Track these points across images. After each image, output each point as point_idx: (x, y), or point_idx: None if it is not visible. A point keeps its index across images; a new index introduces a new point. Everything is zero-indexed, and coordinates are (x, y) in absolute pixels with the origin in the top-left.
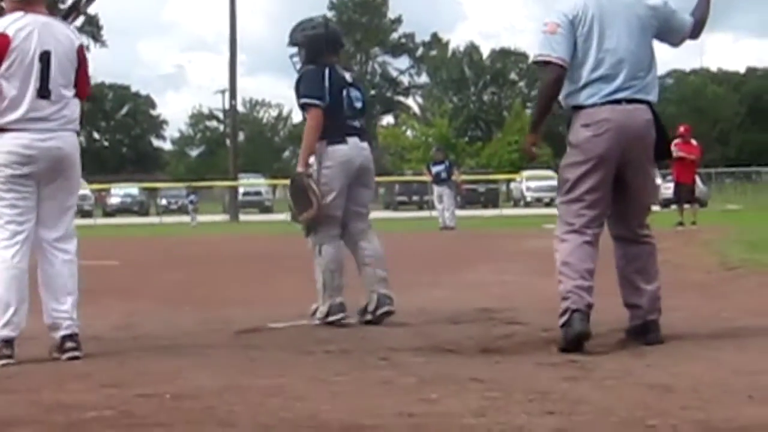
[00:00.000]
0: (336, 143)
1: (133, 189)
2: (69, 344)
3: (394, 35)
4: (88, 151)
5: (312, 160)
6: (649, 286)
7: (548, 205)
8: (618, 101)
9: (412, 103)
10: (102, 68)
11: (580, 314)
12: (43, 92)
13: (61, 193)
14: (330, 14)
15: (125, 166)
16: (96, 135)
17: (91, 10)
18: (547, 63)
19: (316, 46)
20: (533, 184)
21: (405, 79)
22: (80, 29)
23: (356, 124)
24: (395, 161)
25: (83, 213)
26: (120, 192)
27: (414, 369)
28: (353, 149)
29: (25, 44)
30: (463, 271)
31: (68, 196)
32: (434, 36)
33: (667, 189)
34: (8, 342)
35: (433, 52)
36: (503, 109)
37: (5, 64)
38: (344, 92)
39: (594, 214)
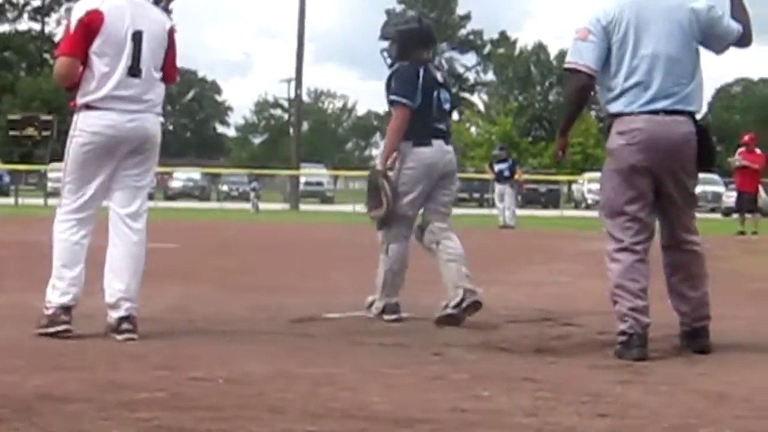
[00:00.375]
0: (421, 145)
1: (195, 174)
2: (125, 326)
3: (462, 31)
4: None
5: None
6: (695, 293)
7: None
8: (656, 111)
9: (477, 100)
10: None
11: (638, 338)
12: (134, 71)
13: (138, 172)
14: (399, 8)
15: (188, 150)
16: (160, 118)
17: None
18: (575, 71)
19: (408, 41)
20: (594, 186)
21: (471, 76)
22: None
23: (442, 126)
24: (457, 158)
25: None
26: (182, 176)
27: (467, 365)
28: (437, 152)
29: (118, 22)
30: (521, 270)
31: (144, 176)
32: (502, 34)
33: (729, 197)
34: (66, 309)
35: (501, 50)
36: None
37: (98, 41)
38: (435, 93)
39: (639, 226)
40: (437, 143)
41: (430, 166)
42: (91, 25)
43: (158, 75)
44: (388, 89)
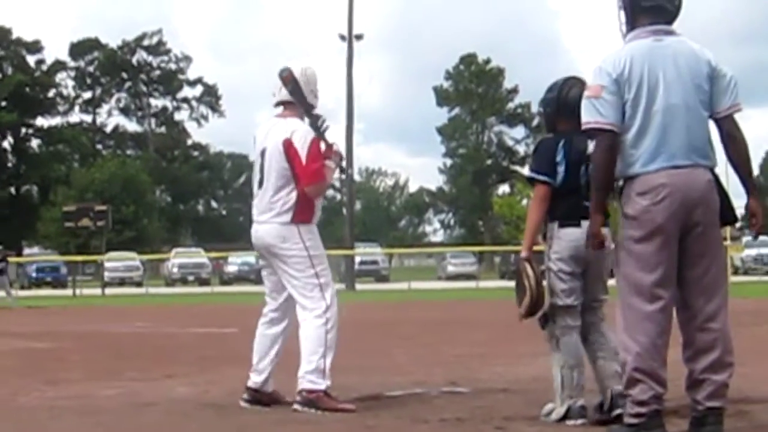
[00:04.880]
0: (568, 225)
1: (250, 257)
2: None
3: (510, 105)
4: (207, 220)
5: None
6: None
7: None
8: (675, 166)
9: (528, 172)
10: (220, 138)
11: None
12: (261, 184)
13: (278, 276)
14: (446, 84)
15: (242, 234)
16: (214, 204)
17: (210, 80)
18: (596, 130)
19: (547, 111)
20: None
21: (521, 149)
22: (198, 99)
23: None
24: (510, 230)
25: (201, 281)
26: (237, 260)
27: None
28: (586, 234)
29: (258, 142)
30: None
31: (286, 281)
32: None
33: None
34: (247, 389)
35: None
36: None
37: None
38: (584, 168)
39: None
40: (587, 224)
41: (579, 249)
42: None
43: (279, 183)
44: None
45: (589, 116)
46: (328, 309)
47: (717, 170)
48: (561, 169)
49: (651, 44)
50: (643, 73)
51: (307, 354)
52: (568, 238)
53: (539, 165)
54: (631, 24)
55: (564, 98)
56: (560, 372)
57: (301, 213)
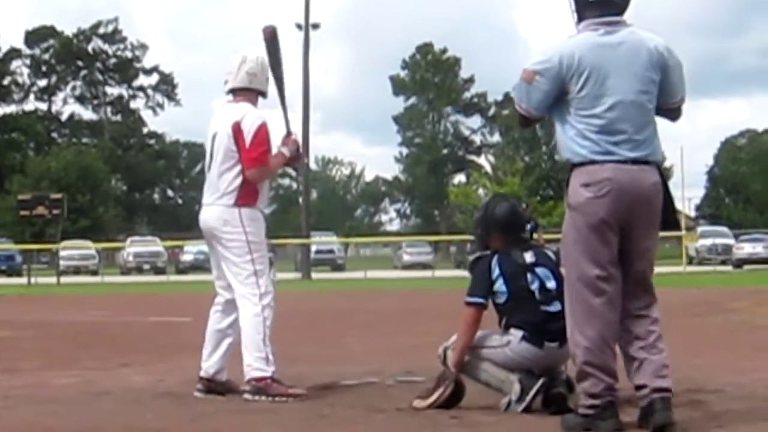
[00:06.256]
0: (531, 343)
1: (205, 246)
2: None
3: (467, 94)
4: (163, 208)
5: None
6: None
7: None
8: (623, 161)
9: (484, 161)
10: (176, 126)
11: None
12: (209, 168)
13: (225, 267)
14: (403, 73)
15: (199, 223)
16: (170, 192)
17: (166, 68)
18: (517, 111)
19: (478, 231)
20: None
21: (477, 138)
22: (154, 88)
23: (552, 309)
24: (467, 220)
25: (156, 270)
26: (193, 249)
27: (485, 428)
28: (546, 359)
29: (210, 127)
30: None
31: (229, 268)
32: (506, 95)
33: (739, 249)
34: (200, 378)
35: (506, 112)
36: None
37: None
38: (527, 277)
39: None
40: (549, 347)
41: (533, 363)
42: None
43: (228, 167)
44: None
45: (516, 96)
46: (262, 296)
47: (671, 161)
48: (500, 283)
49: (600, 36)
50: (592, 65)
51: (248, 343)
52: (525, 355)
53: (472, 289)
54: (580, 16)
55: (491, 216)
56: (483, 369)
57: (245, 196)
